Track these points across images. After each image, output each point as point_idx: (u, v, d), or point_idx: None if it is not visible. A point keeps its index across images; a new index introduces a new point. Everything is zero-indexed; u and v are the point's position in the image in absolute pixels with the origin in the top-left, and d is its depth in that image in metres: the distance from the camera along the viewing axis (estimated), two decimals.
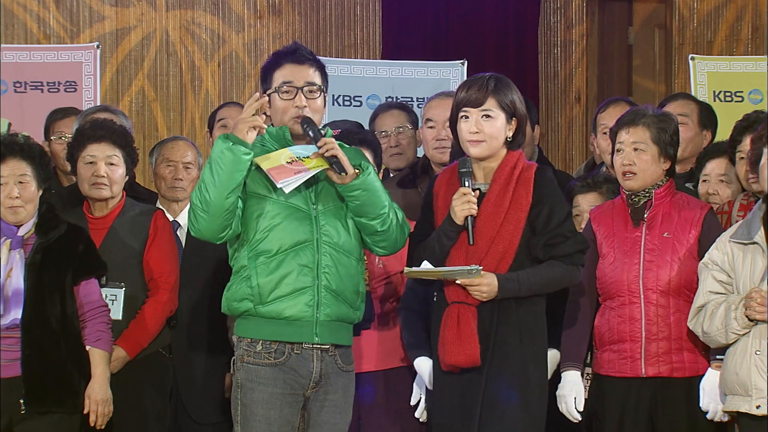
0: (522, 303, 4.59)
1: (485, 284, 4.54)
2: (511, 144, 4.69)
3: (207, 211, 4.44)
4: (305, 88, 4.56)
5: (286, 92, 4.57)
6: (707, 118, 6.06)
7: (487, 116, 4.64)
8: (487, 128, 4.63)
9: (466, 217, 4.58)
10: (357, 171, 4.48)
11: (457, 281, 4.57)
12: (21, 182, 4.95)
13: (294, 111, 4.56)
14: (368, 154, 5.25)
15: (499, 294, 4.55)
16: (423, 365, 5.00)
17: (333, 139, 4.49)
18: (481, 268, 4.51)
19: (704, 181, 5.47)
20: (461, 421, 4.60)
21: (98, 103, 7.40)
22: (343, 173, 4.45)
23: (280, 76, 4.58)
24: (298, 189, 4.47)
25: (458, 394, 4.62)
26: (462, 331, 4.56)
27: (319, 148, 4.46)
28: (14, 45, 7.99)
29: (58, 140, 6.27)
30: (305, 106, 4.56)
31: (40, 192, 5.02)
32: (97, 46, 7.68)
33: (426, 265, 4.60)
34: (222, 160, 4.38)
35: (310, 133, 4.50)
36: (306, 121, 4.53)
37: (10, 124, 6.95)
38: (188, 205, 5.69)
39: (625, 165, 4.95)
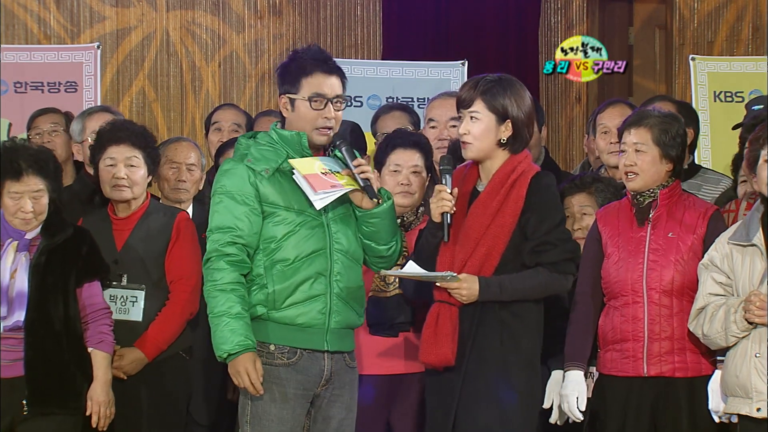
0: (506, 306, 4.59)
1: (464, 287, 4.54)
2: (511, 147, 4.67)
3: None
4: (334, 100, 4.58)
5: (316, 102, 4.57)
6: (687, 116, 6.03)
7: (474, 118, 4.63)
8: (474, 130, 4.63)
9: (443, 214, 4.59)
10: (379, 198, 4.52)
11: (437, 284, 4.59)
12: (35, 197, 4.95)
13: (322, 122, 4.57)
14: (419, 157, 5.25)
15: (480, 297, 4.55)
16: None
17: (366, 162, 4.52)
18: (456, 274, 4.52)
19: (743, 181, 5.45)
20: (440, 420, 4.61)
21: (99, 104, 7.42)
22: (375, 199, 4.48)
23: (312, 85, 4.57)
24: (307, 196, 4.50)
25: (439, 393, 4.64)
26: (438, 331, 4.58)
27: (355, 167, 4.49)
28: (15, 45, 7.99)
29: (35, 136, 6.30)
30: (332, 118, 4.57)
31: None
32: (98, 47, 7.69)
33: (411, 266, 4.61)
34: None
35: (344, 151, 4.53)
36: (340, 138, 4.57)
37: (10, 125, 6.96)
38: (191, 206, 5.73)
39: (627, 165, 4.97)
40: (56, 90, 7.53)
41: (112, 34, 8.40)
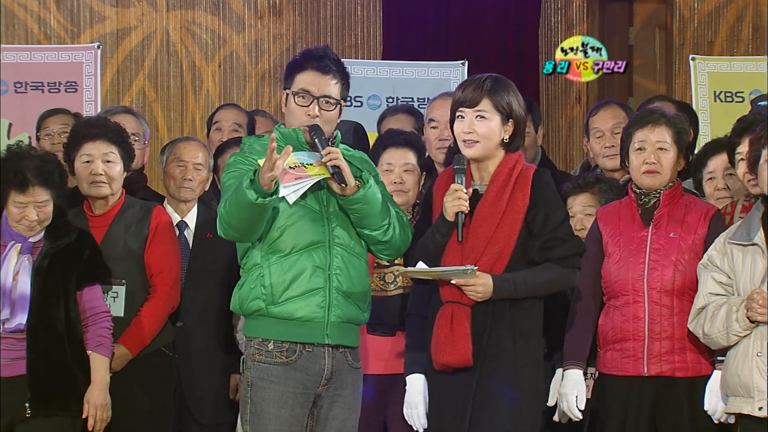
0: (516, 304, 4.58)
1: (480, 284, 4.53)
2: (509, 146, 4.67)
3: (240, 231, 4.45)
4: (321, 99, 4.57)
5: (302, 98, 4.58)
6: (687, 116, 6.04)
7: (482, 117, 4.63)
8: (481, 129, 4.62)
9: (457, 213, 4.59)
10: (358, 183, 4.49)
11: (453, 281, 4.57)
12: (39, 206, 4.97)
13: (305, 119, 4.56)
14: (412, 155, 5.28)
15: (494, 295, 4.55)
16: (414, 383, 4.90)
17: (338, 150, 4.49)
18: (476, 268, 4.51)
19: (710, 179, 5.44)
20: (452, 421, 4.59)
21: (98, 104, 7.43)
22: (343, 184, 4.46)
23: (301, 81, 4.58)
24: (311, 189, 4.48)
25: (450, 394, 4.61)
26: (455, 331, 4.56)
27: (323, 156, 4.46)
28: (15, 45, 7.99)
29: (45, 137, 6.31)
30: (317, 116, 4.56)
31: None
32: (98, 47, 7.69)
33: (421, 265, 4.60)
34: (251, 210, 4.35)
35: (316, 140, 4.50)
36: (313, 129, 4.53)
37: (10, 125, 6.96)
38: (196, 206, 5.74)
39: (650, 164, 4.96)
40: (56, 90, 7.53)
41: (112, 34, 8.41)
